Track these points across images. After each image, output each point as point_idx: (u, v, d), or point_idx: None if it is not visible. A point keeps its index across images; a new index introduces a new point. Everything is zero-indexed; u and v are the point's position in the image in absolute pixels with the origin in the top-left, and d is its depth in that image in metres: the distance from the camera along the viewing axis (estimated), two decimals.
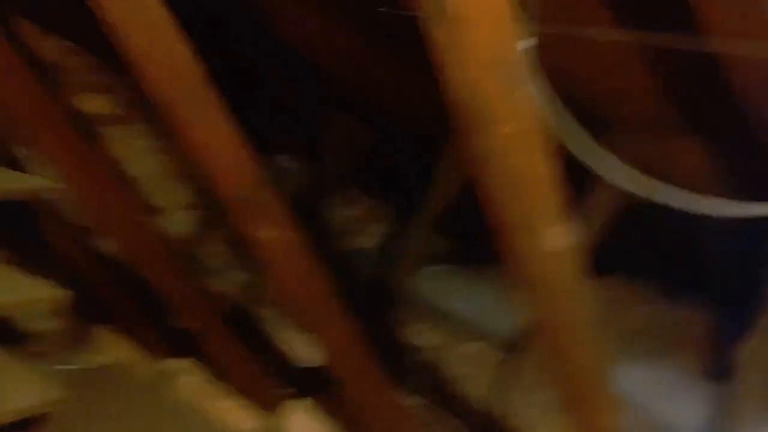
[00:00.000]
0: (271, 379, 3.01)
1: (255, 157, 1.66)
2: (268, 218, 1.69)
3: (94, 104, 3.83)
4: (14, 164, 3.33)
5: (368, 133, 3.95)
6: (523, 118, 1.04)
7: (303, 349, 3.56)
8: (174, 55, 1.46)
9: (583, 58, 1.96)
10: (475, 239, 4.83)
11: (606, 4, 1.68)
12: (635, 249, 3.94)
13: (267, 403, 2.98)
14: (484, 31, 0.95)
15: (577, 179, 1.31)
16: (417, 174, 4.69)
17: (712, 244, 4.12)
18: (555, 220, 1.15)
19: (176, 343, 3.41)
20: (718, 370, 3.30)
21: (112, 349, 3.68)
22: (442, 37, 0.95)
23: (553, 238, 1.13)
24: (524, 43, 1.01)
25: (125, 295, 3.24)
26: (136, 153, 4.03)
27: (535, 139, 1.08)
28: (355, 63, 2.95)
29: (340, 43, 2.72)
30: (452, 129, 3.29)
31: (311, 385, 3.14)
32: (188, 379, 3.36)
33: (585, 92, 1.78)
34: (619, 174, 1.32)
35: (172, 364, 3.43)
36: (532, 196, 1.10)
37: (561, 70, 1.38)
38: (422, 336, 3.39)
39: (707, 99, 2.52)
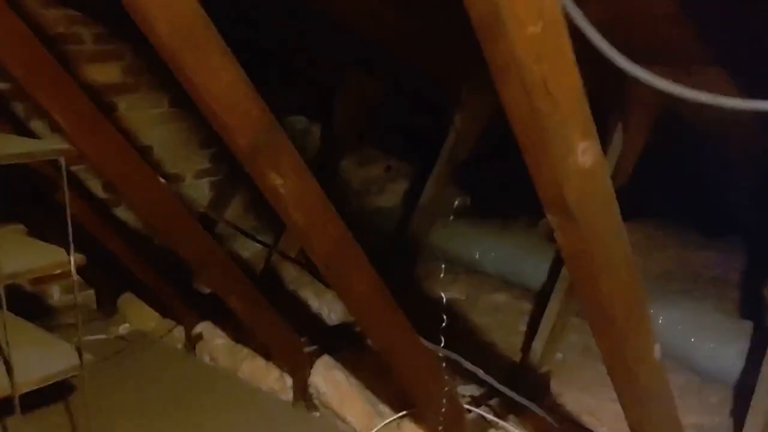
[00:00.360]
0: (299, 338, 3.00)
1: (263, 102, 1.61)
2: (284, 164, 1.65)
3: (104, 73, 3.81)
4: (27, 133, 3.33)
5: (382, 87, 3.88)
6: (549, 17, 0.98)
7: (329, 307, 3.55)
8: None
9: None
10: (495, 190, 4.78)
11: None
12: (663, 190, 3.86)
13: (296, 362, 2.97)
14: None
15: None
16: (433, 128, 4.63)
17: (740, 184, 4.05)
18: (586, 133, 1.09)
19: (202, 307, 3.41)
20: (750, 308, 3.25)
21: (139, 317, 3.69)
22: None
23: (585, 153, 1.08)
24: None
25: (148, 262, 3.23)
26: (149, 121, 4.01)
27: (562, 42, 1.02)
28: (368, 11, 2.87)
29: None
30: (464, 75, 3.23)
31: (338, 342, 3.12)
32: (216, 342, 3.36)
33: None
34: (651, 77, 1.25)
35: (199, 328, 3.43)
36: (561, 107, 1.04)
37: None
38: (446, 288, 3.36)
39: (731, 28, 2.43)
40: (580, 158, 1.08)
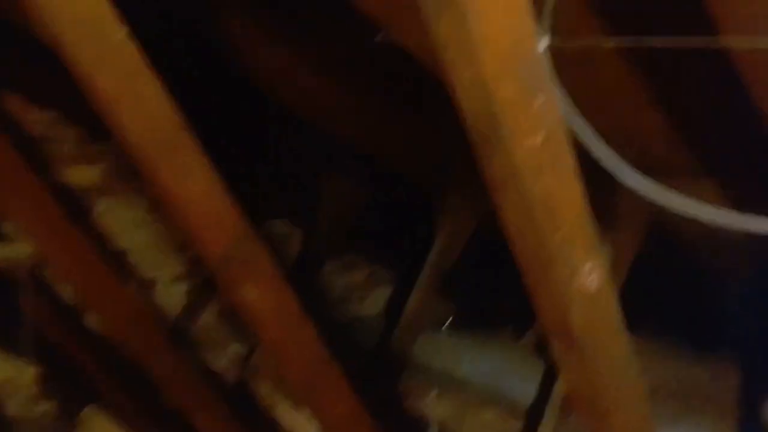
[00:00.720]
0: None
1: (240, 209, 1.51)
2: (259, 277, 1.53)
3: (82, 175, 3.71)
4: None
5: (367, 190, 3.81)
6: (550, 129, 0.89)
7: (302, 428, 3.33)
8: (147, 99, 1.32)
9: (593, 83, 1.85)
10: (482, 299, 4.65)
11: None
12: (657, 303, 3.76)
13: None
14: (499, 20, 0.81)
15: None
16: (417, 234, 4.55)
17: (736, 297, 3.96)
18: (591, 252, 0.98)
19: (170, 425, 3.19)
20: (747, 428, 3.10)
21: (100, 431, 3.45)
22: (447, 29, 0.81)
23: (591, 274, 0.97)
24: (543, 42, 0.87)
25: (112, 374, 3.04)
26: (126, 224, 3.89)
27: (564, 155, 0.93)
28: (349, 114, 2.84)
29: (332, 94, 2.62)
30: (451, 181, 3.18)
31: None
32: None
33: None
34: (650, 189, 1.16)
35: None
36: (564, 224, 0.94)
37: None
38: (432, 406, 3.17)
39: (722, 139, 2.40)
40: (585, 280, 0.97)
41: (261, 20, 2.39)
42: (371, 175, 3.63)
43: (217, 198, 1.45)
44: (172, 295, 4.08)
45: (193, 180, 1.41)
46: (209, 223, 1.45)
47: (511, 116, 0.86)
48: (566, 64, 1.32)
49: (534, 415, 2.96)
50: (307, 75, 2.53)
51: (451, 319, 3.60)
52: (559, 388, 2.71)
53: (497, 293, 4.81)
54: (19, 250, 2.34)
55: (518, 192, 0.91)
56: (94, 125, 3.66)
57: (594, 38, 1.59)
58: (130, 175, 3.80)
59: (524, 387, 3.29)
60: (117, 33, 1.29)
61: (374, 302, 5.05)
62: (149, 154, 1.34)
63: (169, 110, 1.35)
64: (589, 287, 0.98)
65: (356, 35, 2.29)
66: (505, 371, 3.46)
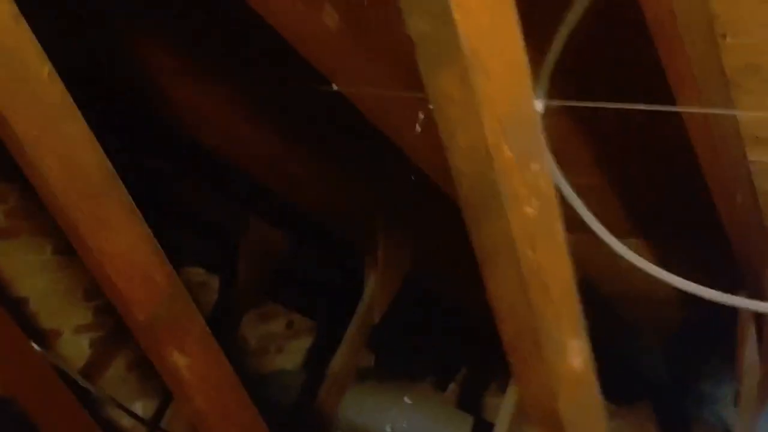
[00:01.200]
0: None
1: (169, 266, 1.37)
2: (189, 341, 1.38)
3: None
4: None
5: (288, 238, 3.69)
6: (545, 195, 0.82)
7: None
8: (71, 143, 1.18)
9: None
10: (407, 352, 4.56)
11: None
12: None
13: None
14: (501, 79, 0.75)
15: None
16: (340, 284, 4.43)
17: (650, 350, 4.03)
18: (577, 330, 0.91)
19: None
20: None
21: None
22: (448, 86, 0.73)
23: (576, 354, 0.89)
24: (539, 104, 0.81)
25: None
26: (27, 269, 3.61)
27: (557, 224, 0.86)
28: (277, 162, 2.73)
29: (261, 140, 2.51)
30: (380, 233, 3.09)
31: None
32: None
33: None
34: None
35: None
36: (555, 300, 0.86)
37: None
38: None
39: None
40: (573, 360, 0.90)
41: (187, 61, 2.26)
42: (293, 222, 3.51)
43: (146, 253, 1.31)
44: (76, 347, 3.80)
45: (119, 233, 1.26)
46: (136, 281, 1.30)
47: (509, 181, 0.78)
48: None
49: None
50: (237, 120, 2.42)
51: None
52: None
53: (418, 344, 4.76)
54: None
55: (511, 263, 0.83)
56: None
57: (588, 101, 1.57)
58: (34, 217, 3.55)
59: None
60: (40, 69, 1.15)
61: (293, 354, 4.88)
62: (71, 203, 1.19)
63: (96, 155, 1.21)
64: (575, 369, 0.90)
65: (291, 83, 2.21)
66: (431, 428, 3.36)
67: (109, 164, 1.24)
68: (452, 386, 4.86)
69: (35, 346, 2.23)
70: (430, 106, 0.81)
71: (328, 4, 1.65)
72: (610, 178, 2.28)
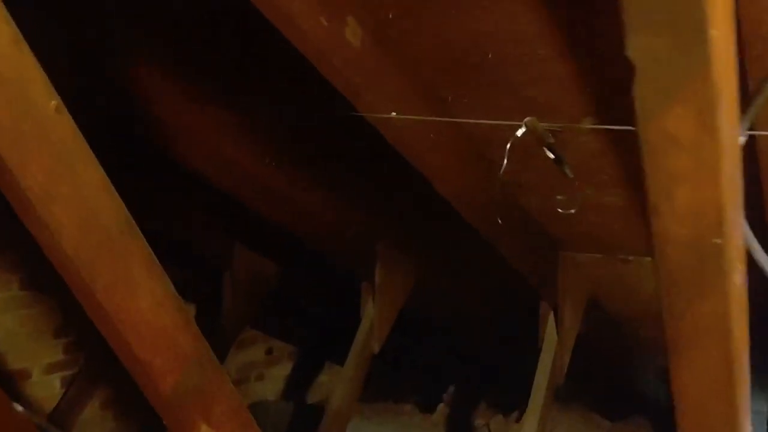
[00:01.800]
0: None
1: (195, 327, 1.18)
2: (218, 412, 1.19)
3: None
4: None
5: (274, 268, 3.50)
6: (740, 267, 0.66)
7: None
8: (85, 190, 0.98)
9: None
10: (392, 373, 4.39)
11: None
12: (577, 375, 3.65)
13: None
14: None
15: None
16: (328, 312, 4.24)
17: (647, 365, 3.94)
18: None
19: None
20: None
21: None
22: (675, 127, 0.57)
23: None
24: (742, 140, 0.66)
25: None
26: None
27: (743, 323, 0.70)
28: (267, 185, 2.54)
29: (256, 165, 2.32)
30: (378, 260, 2.92)
31: None
32: None
33: None
34: None
35: None
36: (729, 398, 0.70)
37: None
38: None
39: None
40: None
41: (181, 82, 2.07)
42: (283, 249, 3.32)
43: (170, 314, 1.12)
44: (47, 388, 3.53)
45: (140, 292, 1.07)
46: (159, 347, 1.11)
47: (731, 247, 0.63)
48: None
49: None
50: (229, 143, 2.23)
51: None
52: None
53: (403, 365, 4.60)
54: None
55: (720, 347, 0.67)
56: None
57: None
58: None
59: None
60: (46, 102, 0.95)
61: (273, 382, 4.67)
62: (86, 261, 1.00)
63: (113, 202, 1.01)
64: None
65: (289, 108, 2.04)
66: None
67: (127, 211, 1.05)
68: (441, 407, 4.71)
69: (18, 407, 1.99)
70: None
71: (351, 18, 1.48)
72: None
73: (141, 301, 1.07)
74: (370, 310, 2.89)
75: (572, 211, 1.78)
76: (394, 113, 1.46)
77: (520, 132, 1.54)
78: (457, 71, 1.63)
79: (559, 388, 2.68)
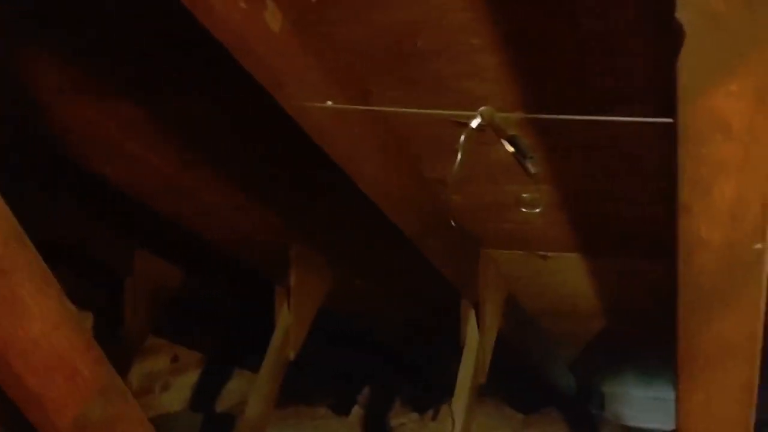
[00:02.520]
0: None
1: (98, 350, 1.02)
2: None
3: None
4: None
5: (179, 273, 3.29)
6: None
7: None
8: None
9: None
10: (304, 375, 4.25)
11: None
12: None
13: None
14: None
15: None
16: (237, 317, 4.06)
17: (557, 358, 4.00)
18: None
19: None
20: None
21: None
22: (725, 108, 0.47)
23: None
24: None
25: None
26: None
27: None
28: (174, 186, 2.37)
29: (163, 168, 2.14)
30: (293, 263, 2.79)
31: None
32: None
33: None
34: None
35: None
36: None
37: None
38: None
39: None
40: None
41: (75, 77, 1.87)
42: (189, 253, 3.13)
43: (66, 338, 0.95)
44: None
45: (30, 315, 0.90)
46: (54, 377, 0.95)
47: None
48: None
49: None
50: (134, 140, 2.04)
51: None
52: None
53: (316, 366, 4.48)
54: None
55: (745, 366, 0.58)
56: None
57: None
58: None
59: None
60: None
61: (179, 391, 4.45)
62: None
63: (8, 221, 0.85)
64: None
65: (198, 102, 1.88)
66: None
67: (14, 220, 0.88)
68: (356, 408, 4.62)
69: None
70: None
71: (270, 1, 1.34)
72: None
73: (32, 324, 0.90)
74: (284, 316, 2.75)
75: (537, 210, 1.68)
76: (329, 102, 1.33)
77: (475, 122, 1.42)
78: (384, 62, 1.52)
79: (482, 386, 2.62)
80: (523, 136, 1.74)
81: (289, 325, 2.74)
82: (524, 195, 1.67)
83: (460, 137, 1.57)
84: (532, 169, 1.63)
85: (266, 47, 1.33)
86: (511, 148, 1.56)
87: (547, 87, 1.47)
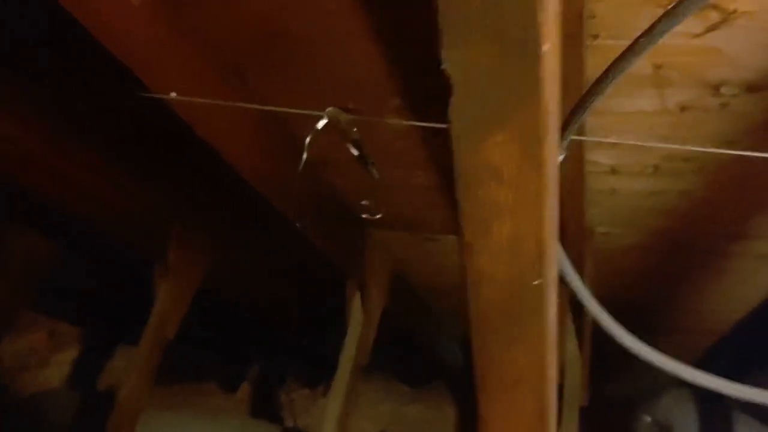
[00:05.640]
0: None
1: None
2: None
3: None
4: None
5: (51, 249, 3.13)
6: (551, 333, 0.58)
7: None
8: None
9: None
10: (189, 352, 4.17)
11: None
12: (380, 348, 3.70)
13: None
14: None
15: None
16: (119, 292, 3.92)
17: (447, 333, 4.08)
18: None
19: None
20: None
21: None
22: (496, 156, 0.47)
23: None
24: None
25: None
26: None
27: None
28: (43, 159, 2.23)
29: (22, 139, 2.01)
30: (172, 240, 2.70)
31: None
32: None
33: None
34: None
35: None
36: None
37: None
38: None
39: None
40: None
41: None
42: (61, 228, 2.97)
43: None
44: None
45: None
46: None
47: (553, 288, 0.54)
48: None
49: None
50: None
51: None
52: None
53: (200, 343, 4.39)
54: None
55: (537, 390, 0.59)
56: None
57: None
58: None
59: None
60: None
61: (58, 367, 4.27)
62: None
63: None
64: None
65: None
66: None
67: None
68: (244, 385, 4.58)
69: None
70: None
71: None
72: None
73: None
74: (163, 294, 2.66)
75: (378, 216, 1.68)
76: (173, 93, 1.27)
77: (320, 124, 1.40)
78: (256, 46, 1.46)
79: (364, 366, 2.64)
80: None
81: (166, 304, 2.66)
82: (364, 202, 1.71)
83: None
84: (375, 174, 1.65)
85: (126, 26, 1.25)
86: (355, 152, 1.57)
87: (420, 77, 1.46)
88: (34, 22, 1.60)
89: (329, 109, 1.38)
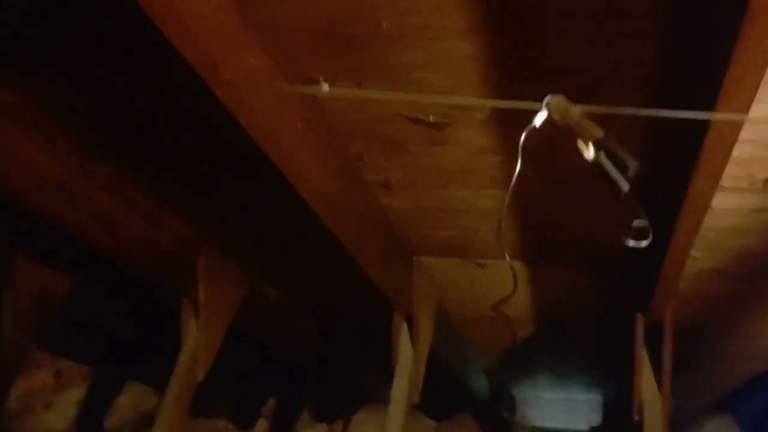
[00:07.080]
0: None
1: None
2: None
3: None
4: None
5: (65, 282, 2.92)
6: None
7: None
8: None
9: None
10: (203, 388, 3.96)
11: None
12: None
13: None
14: None
15: None
16: (131, 327, 3.72)
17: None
18: None
19: None
20: None
21: None
22: None
23: None
24: None
25: None
26: None
27: None
28: (56, 187, 2.04)
29: (35, 157, 1.82)
30: (202, 274, 2.49)
31: None
32: None
33: None
34: None
35: None
36: None
37: None
38: None
39: None
40: None
41: None
42: (77, 260, 2.77)
43: None
44: None
45: None
46: None
47: None
48: None
49: None
50: (11, 129, 1.70)
51: None
52: None
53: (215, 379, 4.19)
54: None
55: None
56: None
57: None
58: None
59: None
60: None
61: (63, 408, 4.04)
62: None
63: None
64: None
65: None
66: None
67: None
68: (261, 421, 4.37)
69: None
70: None
71: None
72: None
73: None
74: (192, 333, 2.45)
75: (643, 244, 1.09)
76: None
77: (539, 119, 1.06)
78: (334, 47, 1.29)
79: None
80: (475, 138, 1.55)
81: (197, 344, 2.45)
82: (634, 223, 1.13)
83: (443, 134, 1.35)
84: (624, 187, 1.05)
85: (202, 24, 1.08)
86: (592, 155, 1.03)
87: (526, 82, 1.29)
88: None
89: (549, 97, 1.05)
